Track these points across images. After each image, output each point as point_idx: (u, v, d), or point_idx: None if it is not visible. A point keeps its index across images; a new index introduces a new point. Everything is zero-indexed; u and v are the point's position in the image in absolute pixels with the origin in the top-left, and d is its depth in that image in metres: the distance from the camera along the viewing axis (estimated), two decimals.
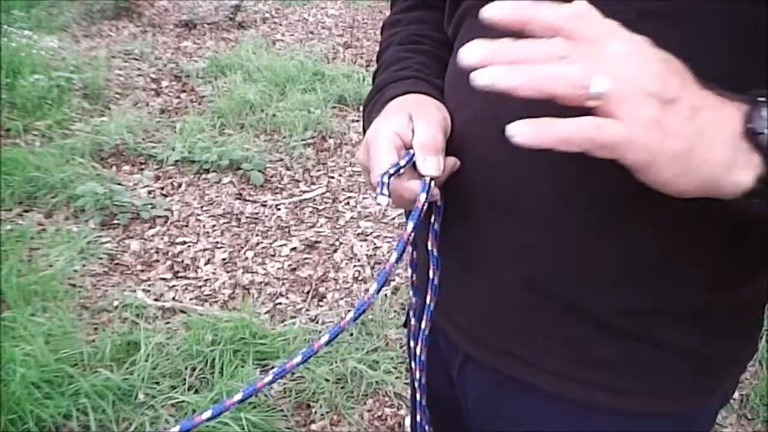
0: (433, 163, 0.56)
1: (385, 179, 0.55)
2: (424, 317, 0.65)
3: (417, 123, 0.59)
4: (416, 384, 0.69)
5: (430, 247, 0.63)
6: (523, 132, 0.41)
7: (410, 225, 0.55)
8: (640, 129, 0.40)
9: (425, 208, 0.56)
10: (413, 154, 0.57)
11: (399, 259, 0.54)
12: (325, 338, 0.54)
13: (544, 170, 0.55)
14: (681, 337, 0.58)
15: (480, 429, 0.73)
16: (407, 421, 1.80)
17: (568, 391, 0.62)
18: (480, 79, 0.42)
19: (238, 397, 0.54)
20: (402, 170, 0.56)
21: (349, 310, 2.16)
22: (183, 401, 1.73)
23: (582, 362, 0.60)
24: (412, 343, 0.71)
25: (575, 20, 0.42)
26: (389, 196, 0.55)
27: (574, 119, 0.41)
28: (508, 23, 0.43)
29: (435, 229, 0.62)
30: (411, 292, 0.72)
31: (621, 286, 0.57)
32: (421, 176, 0.57)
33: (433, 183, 0.56)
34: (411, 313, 0.75)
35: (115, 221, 2.55)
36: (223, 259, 2.43)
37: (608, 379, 0.60)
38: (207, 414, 0.52)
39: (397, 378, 1.90)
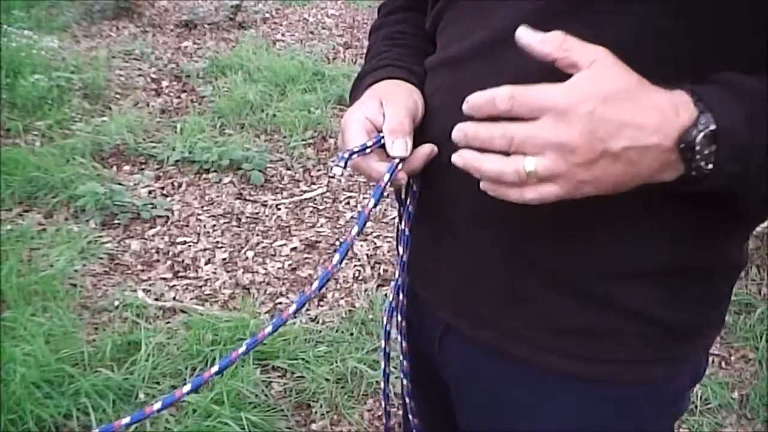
0: (400, 145, 0.61)
1: (346, 155, 0.60)
2: (392, 290, 0.72)
3: (387, 109, 0.64)
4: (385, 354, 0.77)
5: (403, 227, 0.69)
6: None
7: (371, 202, 0.60)
8: (570, 188, 0.50)
9: (388, 186, 0.60)
10: (382, 137, 0.62)
11: (360, 231, 0.59)
12: (292, 308, 0.57)
13: None
14: (648, 303, 0.60)
15: (459, 399, 0.76)
16: None
17: (539, 358, 0.64)
18: (456, 160, 0.54)
19: (187, 388, 0.55)
20: (369, 150, 0.61)
21: (350, 310, 2.17)
22: (183, 401, 1.73)
23: (554, 329, 0.62)
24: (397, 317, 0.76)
25: (511, 102, 0.50)
26: (344, 167, 0.60)
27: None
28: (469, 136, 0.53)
29: (409, 211, 0.68)
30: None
31: (590, 250, 0.59)
32: (391, 159, 0.61)
33: (400, 165, 0.61)
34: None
35: (116, 221, 2.55)
36: (224, 259, 2.43)
37: (578, 347, 0.62)
38: (158, 405, 0.54)
39: (397, 378, 1.89)
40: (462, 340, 0.71)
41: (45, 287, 2.08)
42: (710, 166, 0.48)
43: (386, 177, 0.60)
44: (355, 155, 0.60)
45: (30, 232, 2.36)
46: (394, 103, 0.65)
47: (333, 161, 0.60)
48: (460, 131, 0.53)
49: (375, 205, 0.60)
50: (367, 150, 0.61)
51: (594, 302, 0.61)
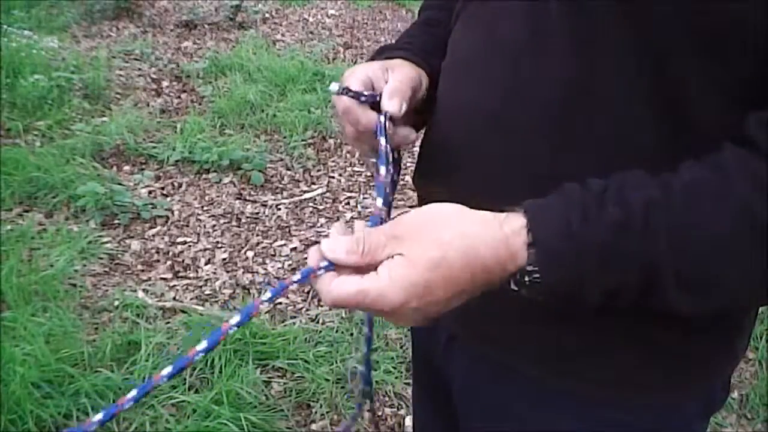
0: (395, 103, 0.63)
1: (344, 85, 0.63)
2: None
3: (391, 75, 0.66)
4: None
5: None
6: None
7: (383, 169, 0.60)
8: (410, 323, 0.55)
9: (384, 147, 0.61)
10: (378, 95, 0.64)
11: (385, 202, 0.60)
12: (296, 277, 0.55)
13: (527, 151, 0.58)
14: (657, 330, 0.59)
15: (464, 409, 0.75)
16: (407, 421, 1.80)
17: (542, 377, 0.64)
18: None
19: (132, 393, 0.54)
20: (363, 99, 0.63)
21: (350, 310, 2.17)
22: (183, 401, 1.73)
23: (558, 348, 0.62)
24: None
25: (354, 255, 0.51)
26: (339, 91, 0.63)
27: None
28: None
29: (394, 180, 0.70)
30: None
31: None
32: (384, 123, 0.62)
33: (389, 124, 0.62)
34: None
35: (116, 221, 2.55)
36: (224, 259, 2.43)
37: (582, 369, 0.62)
38: (132, 392, 0.53)
39: (396, 378, 1.90)
40: (467, 351, 0.70)
41: (45, 287, 2.08)
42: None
43: (382, 141, 0.61)
44: (351, 93, 0.63)
45: (30, 232, 2.36)
46: (398, 73, 0.66)
47: (333, 84, 0.65)
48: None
49: (387, 173, 0.61)
50: (362, 98, 0.63)
51: (603, 327, 0.59)
